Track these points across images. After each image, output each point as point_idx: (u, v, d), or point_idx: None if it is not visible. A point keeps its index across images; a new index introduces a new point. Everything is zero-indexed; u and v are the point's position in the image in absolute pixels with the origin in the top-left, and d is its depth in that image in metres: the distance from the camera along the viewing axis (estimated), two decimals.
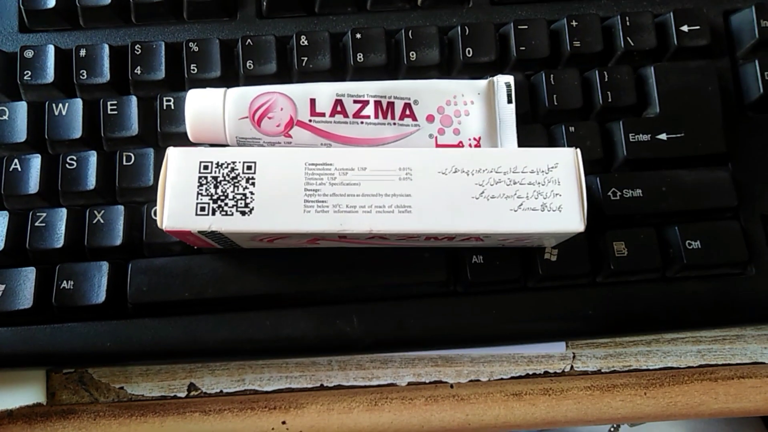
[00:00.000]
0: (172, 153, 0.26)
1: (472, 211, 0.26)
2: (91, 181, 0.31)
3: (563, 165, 0.26)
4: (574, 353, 0.33)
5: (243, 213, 0.26)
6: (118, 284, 0.30)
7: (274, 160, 0.26)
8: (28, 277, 0.30)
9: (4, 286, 0.30)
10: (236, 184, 0.26)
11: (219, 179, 0.26)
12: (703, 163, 0.32)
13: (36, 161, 0.31)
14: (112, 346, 0.30)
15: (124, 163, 0.31)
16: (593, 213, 0.31)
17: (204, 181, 0.26)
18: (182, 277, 0.30)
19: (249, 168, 0.26)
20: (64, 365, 0.32)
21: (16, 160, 0.31)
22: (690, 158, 0.32)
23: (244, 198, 0.26)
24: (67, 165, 0.31)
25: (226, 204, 0.26)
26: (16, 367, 0.31)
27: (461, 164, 0.26)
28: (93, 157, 0.31)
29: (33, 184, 0.31)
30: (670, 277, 0.31)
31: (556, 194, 0.26)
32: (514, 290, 0.31)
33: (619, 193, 0.31)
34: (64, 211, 0.31)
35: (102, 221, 0.31)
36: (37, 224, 0.31)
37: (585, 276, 0.31)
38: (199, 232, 0.26)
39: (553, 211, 0.26)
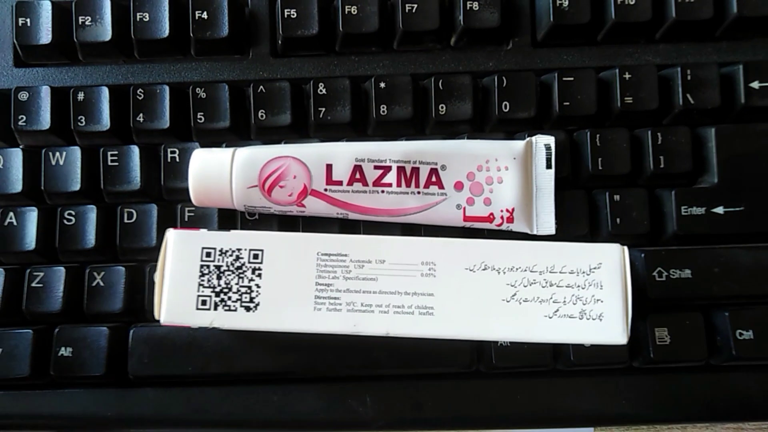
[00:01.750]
0: (172, 237, 0.24)
1: (502, 316, 0.23)
2: (91, 240, 0.29)
3: (607, 266, 0.24)
4: None
5: (248, 309, 0.24)
6: (118, 353, 0.29)
7: (284, 249, 0.24)
8: (24, 341, 0.29)
9: (0, 349, 0.29)
10: (241, 275, 0.23)
11: (222, 269, 0.24)
12: (765, 241, 0.29)
13: (33, 215, 0.29)
14: (113, 415, 0.29)
15: (126, 220, 0.29)
16: (634, 293, 0.28)
17: (206, 271, 0.24)
18: (185, 350, 0.28)
19: (255, 257, 0.24)
20: (62, 430, 0.31)
21: (11, 214, 0.29)
22: (749, 235, 0.28)
23: (249, 291, 0.24)
24: (65, 221, 0.29)
25: (229, 298, 0.24)
26: (14, 430, 0.30)
27: (492, 260, 0.24)
28: (92, 213, 0.29)
29: (29, 241, 0.29)
30: (714, 365, 0.29)
31: (597, 300, 0.23)
32: (541, 374, 0.29)
33: (665, 274, 0.28)
34: (62, 271, 0.29)
35: (102, 284, 0.29)
36: (34, 284, 0.29)
37: (621, 363, 0.28)
38: (200, 327, 0.24)
39: (593, 319, 0.23)
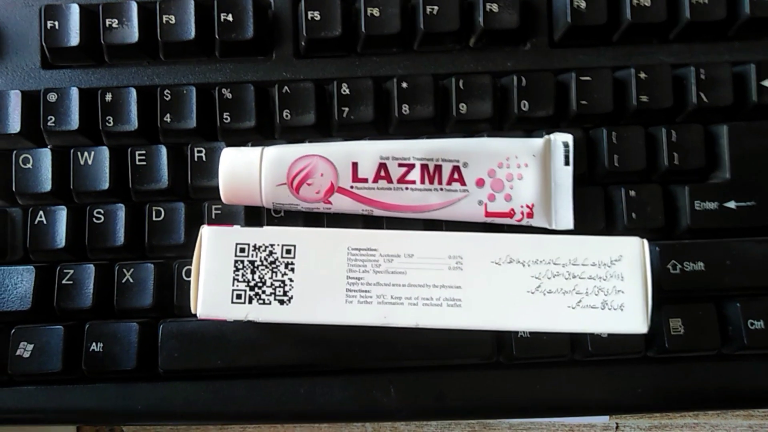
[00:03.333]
0: (207, 233, 0.24)
1: (527, 307, 0.24)
2: (120, 237, 0.30)
3: (628, 258, 0.24)
4: (617, 423, 0.32)
5: (281, 302, 0.24)
6: (148, 347, 0.29)
7: (315, 244, 0.24)
8: (56, 337, 0.29)
9: (32, 345, 0.29)
10: (275, 270, 0.24)
11: (256, 264, 0.24)
12: None
13: (62, 214, 0.30)
14: (143, 408, 0.30)
15: (154, 218, 0.30)
16: None
17: (240, 266, 0.24)
18: (215, 344, 0.29)
19: (288, 252, 0.24)
20: (93, 423, 0.31)
21: (41, 212, 0.30)
22: (760, 229, 0.29)
23: (282, 285, 0.24)
24: (94, 219, 0.30)
25: (263, 291, 0.24)
26: (45, 424, 0.31)
27: (517, 253, 0.24)
28: (121, 211, 0.30)
29: (59, 239, 0.30)
30: (727, 354, 0.30)
31: (619, 291, 0.24)
32: (559, 364, 0.30)
33: (679, 266, 0.29)
34: (92, 268, 0.30)
35: (131, 280, 0.30)
36: (64, 282, 0.29)
37: (636, 352, 0.29)
38: (235, 320, 0.25)
39: (614, 309, 0.24)
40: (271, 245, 0.24)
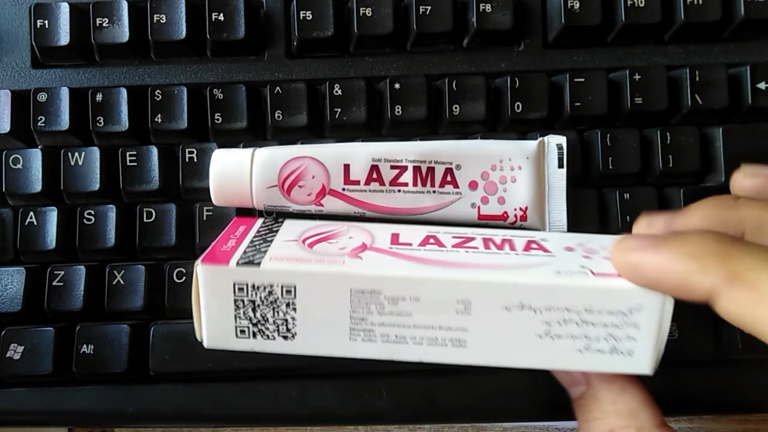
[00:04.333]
0: (202, 273, 0.23)
1: (534, 349, 0.23)
2: (111, 239, 0.29)
3: (648, 310, 0.23)
4: None
5: (285, 338, 0.24)
6: (139, 349, 0.29)
7: (317, 285, 0.23)
8: (47, 339, 0.29)
9: (23, 347, 0.29)
10: (276, 309, 0.23)
11: (257, 303, 0.23)
12: None
13: (52, 215, 0.30)
14: (134, 410, 0.30)
15: (145, 219, 0.30)
16: None
17: (241, 305, 0.23)
18: None
19: (288, 292, 0.23)
20: (84, 425, 0.31)
21: (31, 213, 0.30)
22: None
23: (285, 323, 0.24)
24: (85, 220, 0.30)
25: (266, 328, 0.24)
26: (35, 426, 0.31)
27: (530, 300, 0.23)
28: (112, 212, 0.30)
29: (50, 240, 0.30)
30: (721, 359, 0.29)
31: (631, 338, 0.23)
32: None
33: None
34: (82, 270, 0.29)
35: (122, 282, 0.29)
36: (55, 283, 0.29)
37: None
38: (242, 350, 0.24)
39: (622, 354, 0.23)
40: (270, 285, 0.23)
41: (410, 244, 0.25)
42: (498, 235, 0.26)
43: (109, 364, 0.29)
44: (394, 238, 0.25)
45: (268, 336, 0.24)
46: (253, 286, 0.23)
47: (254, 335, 0.24)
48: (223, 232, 0.26)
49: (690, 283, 0.20)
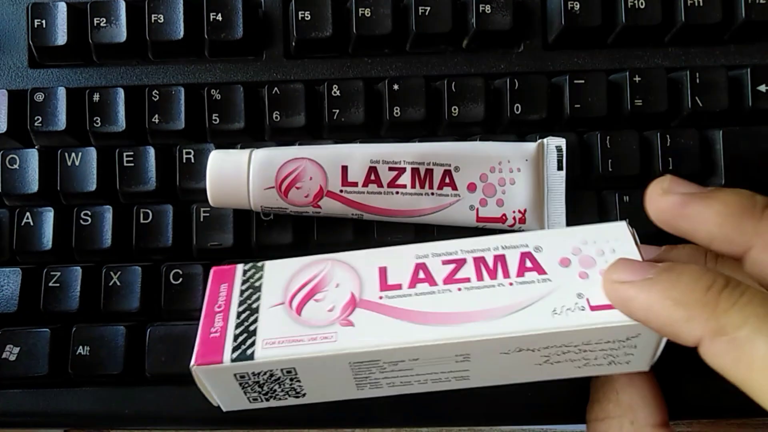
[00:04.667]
0: (200, 373, 0.23)
1: (534, 372, 0.24)
2: (107, 239, 0.29)
3: (645, 337, 0.23)
4: None
5: (296, 397, 0.25)
6: (135, 351, 0.29)
7: (314, 365, 0.23)
8: (42, 340, 0.29)
9: (18, 348, 0.29)
10: (281, 383, 0.24)
11: (261, 383, 0.24)
12: None
13: (49, 215, 0.30)
14: (130, 412, 0.29)
15: (142, 220, 0.29)
16: None
17: (247, 386, 0.24)
18: None
19: (289, 372, 0.23)
20: (79, 427, 0.31)
21: (28, 214, 0.30)
22: None
23: (293, 389, 0.24)
24: (81, 221, 0.30)
25: (277, 395, 0.25)
26: (31, 427, 0.30)
27: (527, 345, 0.23)
28: (109, 213, 0.29)
29: (46, 241, 0.29)
30: None
31: (629, 354, 0.23)
32: None
33: None
34: (79, 270, 0.29)
35: (119, 283, 0.29)
36: (51, 284, 0.29)
37: None
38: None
39: (620, 364, 0.24)
40: (270, 370, 0.23)
41: (400, 287, 0.24)
42: (490, 249, 0.24)
43: (105, 365, 0.29)
44: (383, 279, 0.24)
45: (280, 398, 0.25)
46: (254, 374, 0.23)
47: (267, 400, 0.25)
48: (206, 301, 0.25)
49: (677, 330, 0.19)
